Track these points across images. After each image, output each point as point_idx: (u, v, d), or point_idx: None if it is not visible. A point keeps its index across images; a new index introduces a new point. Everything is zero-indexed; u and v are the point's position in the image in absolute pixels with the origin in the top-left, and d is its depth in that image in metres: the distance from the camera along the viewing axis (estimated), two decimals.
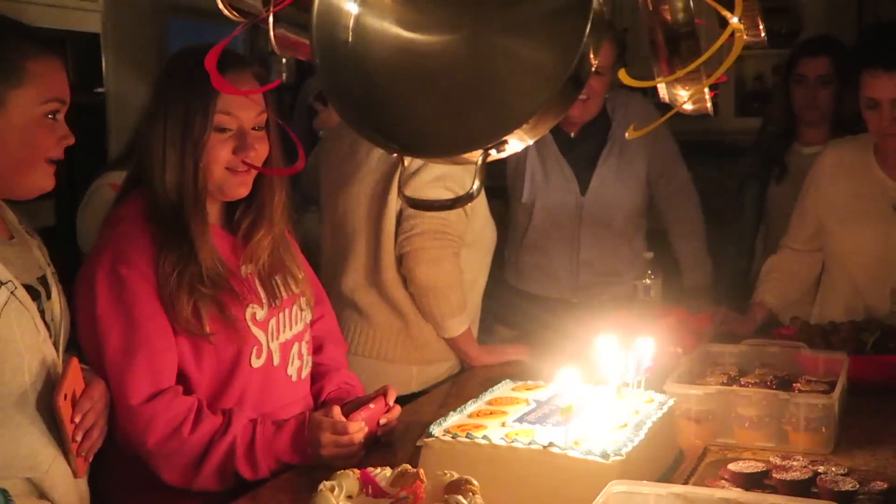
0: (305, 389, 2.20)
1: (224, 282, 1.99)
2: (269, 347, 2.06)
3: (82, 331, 1.94)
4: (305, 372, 2.19)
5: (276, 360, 2.08)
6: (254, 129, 2.02)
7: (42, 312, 1.80)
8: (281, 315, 2.11)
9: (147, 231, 1.97)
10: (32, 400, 1.76)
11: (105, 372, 1.92)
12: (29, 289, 1.78)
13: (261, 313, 2.06)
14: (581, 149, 3.29)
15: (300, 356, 2.17)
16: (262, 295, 2.08)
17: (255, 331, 2.04)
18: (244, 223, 2.10)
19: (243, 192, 2.05)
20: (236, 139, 1.99)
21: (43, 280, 1.84)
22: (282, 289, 2.12)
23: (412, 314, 2.75)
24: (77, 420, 1.80)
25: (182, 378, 1.98)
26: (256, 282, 2.09)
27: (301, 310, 2.18)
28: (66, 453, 1.80)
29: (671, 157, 3.39)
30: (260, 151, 2.03)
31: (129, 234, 1.97)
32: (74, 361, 1.84)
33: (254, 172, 2.03)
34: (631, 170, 3.30)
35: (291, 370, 2.14)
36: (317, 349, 2.28)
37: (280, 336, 2.10)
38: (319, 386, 2.26)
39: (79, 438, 1.81)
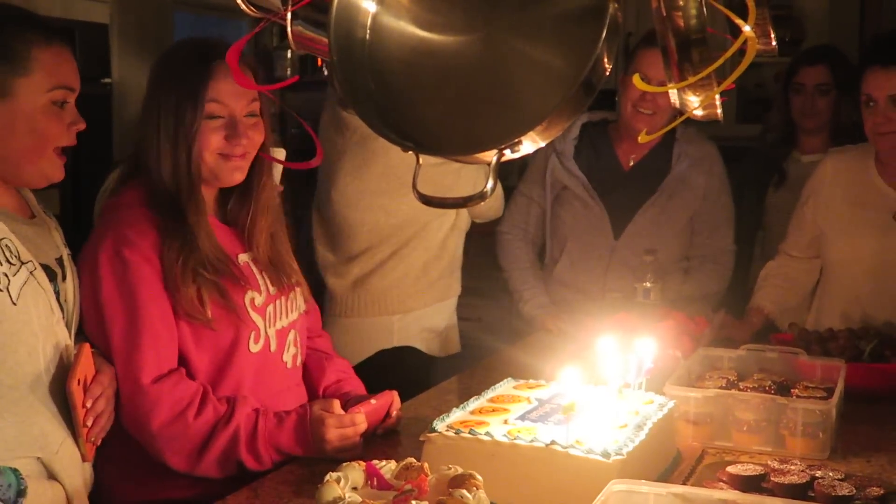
0: (298, 377, 2.23)
1: (225, 268, 2.03)
2: (266, 333, 2.09)
3: (86, 315, 1.96)
4: (300, 360, 2.23)
5: (273, 346, 2.11)
6: (246, 116, 2.05)
7: (57, 294, 1.82)
8: (278, 302, 2.14)
9: (148, 217, 1.99)
10: (45, 382, 1.77)
11: (111, 355, 1.94)
12: (46, 269, 1.80)
13: (259, 299, 2.09)
14: (623, 193, 3.14)
15: (295, 343, 2.20)
16: (260, 282, 2.11)
17: (254, 316, 2.07)
18: (239, 212, 2.14)
19: (238, 177, 2.08)
20: (227, 127, 2.02)
21: (60, 261, 1.86)
22: (280, 277, 2.16)
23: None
24: (89, 405, 1.82)
25: (182, 362, 2.00)
26: (255, 269, 2.12)
27: (297, 299, 2.21)
28: (76, 437, 1.81)
29: (718, 222, 3.19)
30: (253, 139, 2.06)
31: (130, 220, 1.99)
32: (87, 347, 1.86)
33: (249, 158, 2.07)
34: (672, 222, 3.14)
35: (287, 357, 2.17)
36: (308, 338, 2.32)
37: (277, 322, 2.13)
38: (318, 374, 2.29)
39: (90, 423, 1.83)
